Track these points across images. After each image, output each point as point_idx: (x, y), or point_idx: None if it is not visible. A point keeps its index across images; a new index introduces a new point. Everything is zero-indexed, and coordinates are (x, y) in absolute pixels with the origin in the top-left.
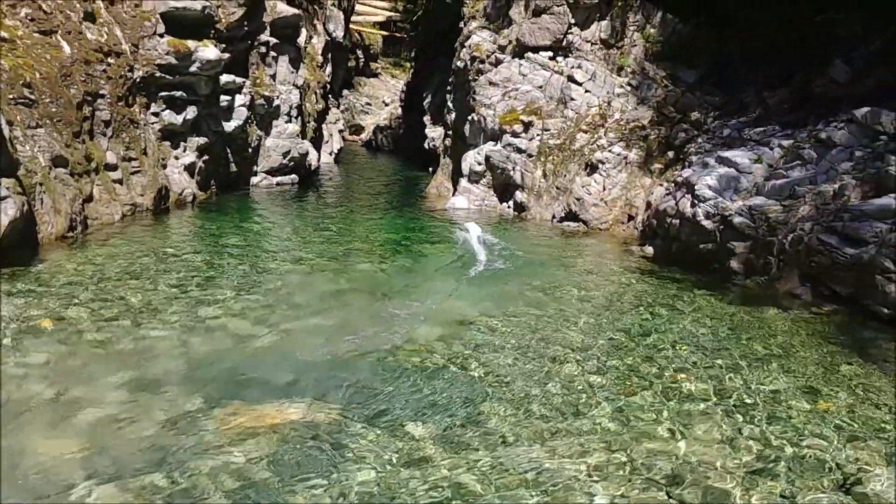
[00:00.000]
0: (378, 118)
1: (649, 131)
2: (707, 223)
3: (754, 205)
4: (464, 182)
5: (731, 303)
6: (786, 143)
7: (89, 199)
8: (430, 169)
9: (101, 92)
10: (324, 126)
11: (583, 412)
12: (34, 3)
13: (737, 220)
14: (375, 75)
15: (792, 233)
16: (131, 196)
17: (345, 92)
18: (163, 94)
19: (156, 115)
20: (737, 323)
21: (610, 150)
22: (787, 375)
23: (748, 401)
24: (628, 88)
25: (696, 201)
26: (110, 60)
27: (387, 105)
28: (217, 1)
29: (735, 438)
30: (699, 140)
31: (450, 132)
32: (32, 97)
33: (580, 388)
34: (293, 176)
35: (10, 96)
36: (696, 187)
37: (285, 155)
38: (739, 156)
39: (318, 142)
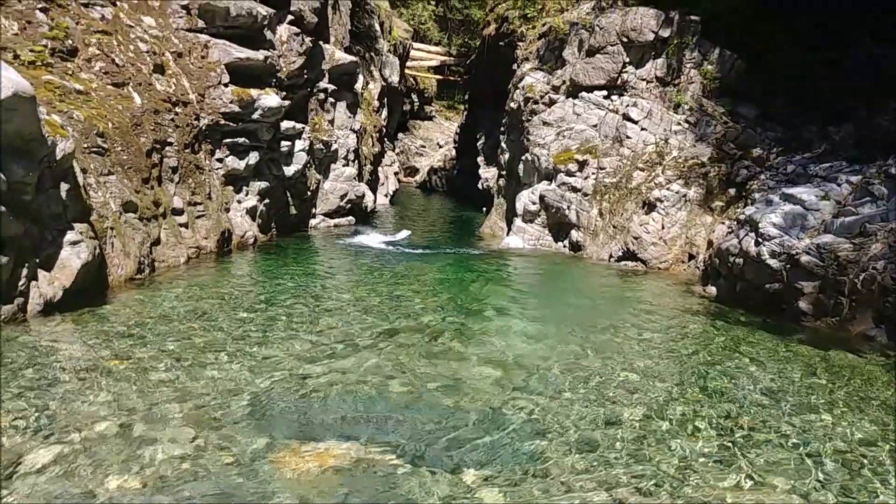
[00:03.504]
0: (432, 160)
1: (709, 168)
2: (773, 262)
3: (822, 243)
4: (518, 221)
5: (801, 345)
6: (854, 178)
7: (157, 242)
8: (484, 209)
9: (169, 140)
10: (380, 168)
11: (647, 458)
12: (108, 58)
13: (804, 258)
14: (430, 118)
15: (864, 272)
16: (196, 239)
17: (400, 135)
18: (227, 140)
19: (220, 160)
20: (808, 366)
21: (668, 188)
22: (864, 423)
23: (823, 450)
24: (686, 125)
25: (760, 240)
26: (178, 110)
27: (441, 147)
28: (278, 51)
29: (810, 491)
30: (762, 177)
31: (503, 172)
32: (105, 146)
33: (643, 433)
34: (350, 218)
35: (85, 145)
36: (760, 225)
37: (343, 197)
38: (805, 192)
39: (374, 184)
